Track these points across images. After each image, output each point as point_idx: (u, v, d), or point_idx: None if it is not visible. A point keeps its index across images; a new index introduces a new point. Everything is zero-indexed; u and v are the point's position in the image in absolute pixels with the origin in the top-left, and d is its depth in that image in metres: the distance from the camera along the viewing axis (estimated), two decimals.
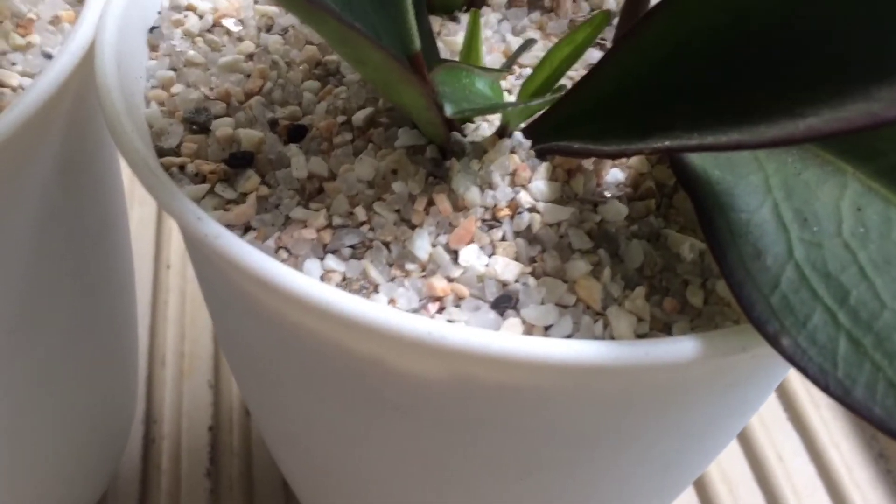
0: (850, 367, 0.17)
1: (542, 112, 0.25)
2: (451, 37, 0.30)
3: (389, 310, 0.19)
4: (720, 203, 0.21)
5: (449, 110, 0.20)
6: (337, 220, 0.23)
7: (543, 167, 0.24)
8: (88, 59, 0.26)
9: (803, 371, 0.17)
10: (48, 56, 0.26)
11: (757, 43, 0.21)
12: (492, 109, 0.21)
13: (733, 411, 0.25)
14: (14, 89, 0.25)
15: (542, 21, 0.32)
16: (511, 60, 0.25)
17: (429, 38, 0.26)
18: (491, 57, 0.29)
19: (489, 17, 0.31)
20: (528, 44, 0.25)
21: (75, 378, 0.34)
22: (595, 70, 0.24)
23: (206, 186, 0.24)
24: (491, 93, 0.23)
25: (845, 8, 0.19)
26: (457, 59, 0.29)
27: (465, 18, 0.31)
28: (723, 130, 0.20)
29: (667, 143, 0.20)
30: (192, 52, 0.28)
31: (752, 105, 0.20)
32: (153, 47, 0.28)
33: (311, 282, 0.20)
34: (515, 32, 0.31)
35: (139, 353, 0.47)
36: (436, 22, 0.30)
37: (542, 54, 0.29)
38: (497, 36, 0.31)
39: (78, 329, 0.33)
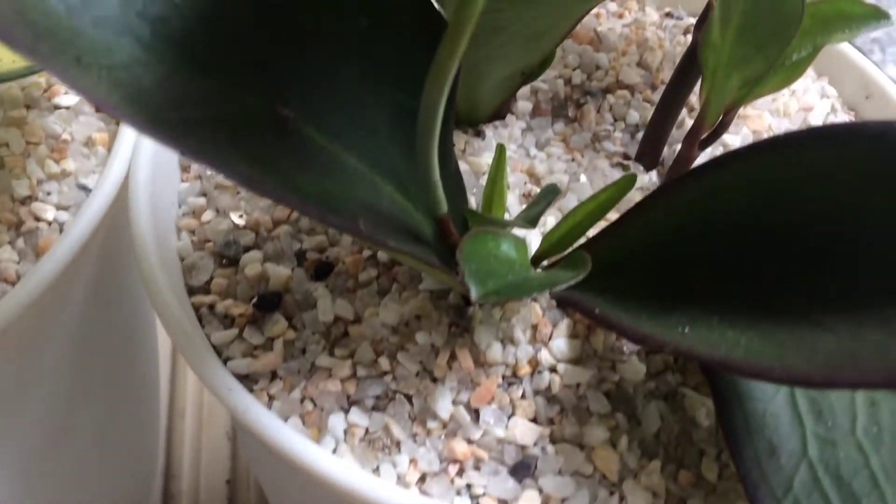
0: None
1: (562, 256, 0.25)
2: (475, 157, 0.30)
3: (412, 496, 0.20)
4: (737, 391, 0.21)
5: (475, 294, 0.20)
6: (361, 371, 0.24)
7: (564, 323, 0.24)
8: (123, 190, 0.26)
9: None
10: (83, 188, 0.27)
11: (786, 231, 0.21)
12: (517, 292, 0.21)
13: None
14: (49, 223, 0.26)
15: (566, 133, 0.32)
16: (536, 216, 0.25)
17: (454, 174, 0.26)
18: (514, 177, 0.30)
19: (513, 130, 0.32)
20: (550, 194, 0.26)
21: (104, 453, 0.36)
22: (619, 224, 0.25)
23: (234, 332, 0.25)
24: (517, 255, 0.23)
25: (876, 223, 0.19)
26: (482, 181, 0.29)
27: (489, 133, 0.31)
28: (742, 326, 0.20)
29: (686, 338, 0.20)
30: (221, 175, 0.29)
31: (773, 291, 0.21)
32: (185, 168, 0.29)
33: (336, 464, 0.21)
34: (539, 146, 0.32)
35: (160, 404, 0.48)
36: (460, 138, 0.31)
37: (564, 177, 0.30)
38: (521, 151, 0.31)
39: (109, 412, 0.34)
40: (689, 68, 0.29)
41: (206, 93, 0.19)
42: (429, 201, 0.23)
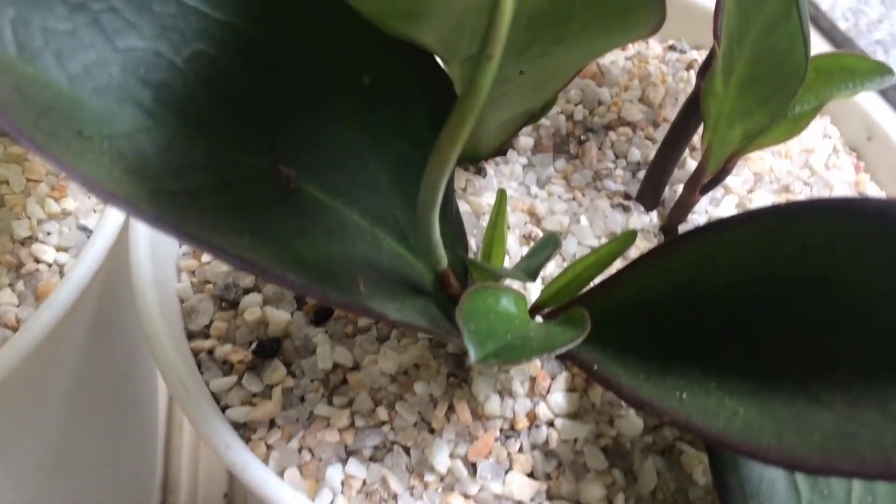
0: None
1: (563, 307, 0.25)
2: (476, 197, 0.30)
3: None
4: (734, 454, 0.21)
5: (473, 358, 0.20)
6: (359, 421, 0.24)
7: (563, 376, 0.24)
8: (124, 229, 0.26)
9: None
10: (83, 228, 0.27)
11: (784, 298, 0.21)
12: (515, 355, 0.21)
13: None
14: (49, 265, 0.26)
15: (567, 170, 0.32)
16: (535, 269, 0.25)
17: (455, 220, 0.26)
18: (515, 217, 0.30)
19: (514, 167, 0.32)
20: (551, 245, 0.25)
21: (103, 471, 0.36)
22: (619, 278, 0.24)
23: (233, 379, 0.25)
24: (516, 309, 0.23)
25: (875, 300, 0.19)
26: (482, 222, 0.29)
27: (491, 171, 0.31)
28: (740, 393, 0.20)
29: (684, 405, 0.20)
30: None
31: (771, 357, 0.21)
32: None
33: None
34: (540, 184, 0.32)
35: (158, 421, 0.48)
36: (461, 176, 0.31)
37: (565, 219, 0.30)
38: (522, 189, 0.31)
39: (108, 435, 0.34)
40: (692, 112, 0.29)
41: (209, 156, 0.19)
42: (430, 260, 0.23)
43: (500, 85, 0.25)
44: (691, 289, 0.23)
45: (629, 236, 0.24)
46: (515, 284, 0.27)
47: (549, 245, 0.26)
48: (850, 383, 0.19)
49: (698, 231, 0.23)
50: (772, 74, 0.24)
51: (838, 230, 0.19)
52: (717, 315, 0.22)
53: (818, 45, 0.64)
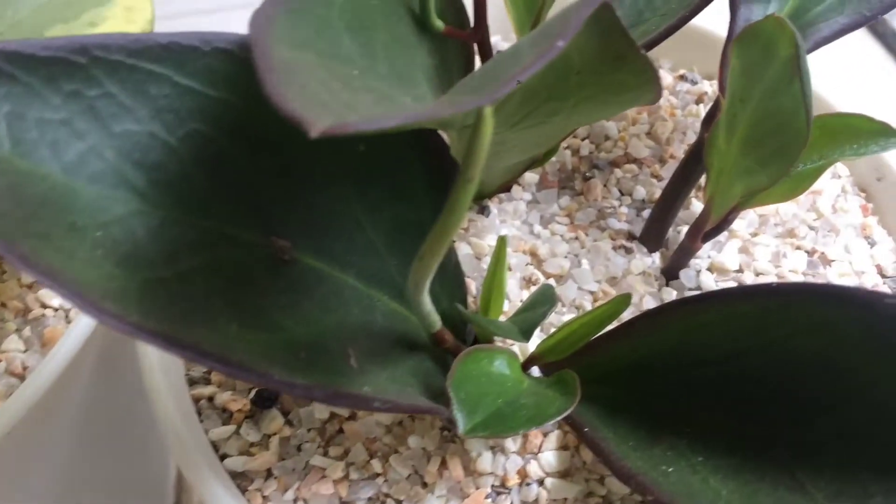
0: None
1: (558, 361, 0.26)
2: (478, 238, 0.30)
3: None
4: None
5: (462, 429, 0.21)
6: (354, 474, 0.25)
7: (555, 434, 0.25)
8: None
9: None
10: None
11: (774, 377, 0.21)
12: (504, 428, 0.22)
13: None
14: (55, 310, 0.26)
15: (571, 208, 0.32)
16: (530, 327, 0.25)
17: (454, 268, 0.27)
18: (516, 258, 0.30)
19: (518, 205, 0.32)
20: (548, 302, 0.26)
21: (115, 496, 0.37)
22: (614, 336, 0.25)
23: (232, 428, 0.25)
24: (510, 371, 0.24)
25: (862, 391, 0.19)
26: (483, 265, 0.30)
27: (494, 210, 0.31)
28: (725, 472, 0.20)
29: (669, 481, 0.20)
30: None
31: (759, 435, 0.21)
32: None
33: None
34: (544, 222, 0.32)
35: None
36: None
37: (566, 262, 0.30)
38: (525, 228, 0.31)
39: (118, 462, 0.35)
40: (697, 157, 0.29)
41: (202, 235, 0.20)
42: (424, 325, 0.23)
43: (502, 145, 0.25)
44: (685, 355, 0.23)
45: (623, 300, 0.24)
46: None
47: (545, 302, 0.26)
48: (835, 474, 0.19)
49: (695, 299, 0.23)
50: (773, 137, 0.24)
51: (827, 316, 0.19)
52: (708, 385, 0.22)
53: None
